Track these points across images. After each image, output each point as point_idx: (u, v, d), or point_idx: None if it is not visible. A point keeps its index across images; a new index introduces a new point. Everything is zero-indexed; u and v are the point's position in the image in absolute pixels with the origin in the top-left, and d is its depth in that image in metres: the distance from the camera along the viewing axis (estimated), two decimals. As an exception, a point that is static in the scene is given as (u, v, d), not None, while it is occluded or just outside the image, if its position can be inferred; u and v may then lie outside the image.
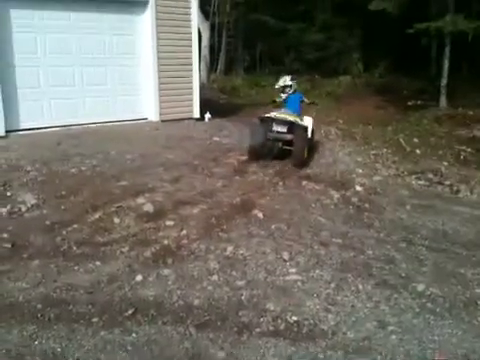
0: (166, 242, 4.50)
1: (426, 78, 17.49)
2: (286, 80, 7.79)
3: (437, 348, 3.13)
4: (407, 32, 13.52)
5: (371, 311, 3.54)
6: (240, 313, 3.44)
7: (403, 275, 4.13)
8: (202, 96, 10.37)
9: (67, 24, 8.37)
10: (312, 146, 8.06)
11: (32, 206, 5.12)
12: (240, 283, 3.85)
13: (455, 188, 6.96)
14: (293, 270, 4.09)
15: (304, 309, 3.52)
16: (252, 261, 4.22)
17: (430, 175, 7.41)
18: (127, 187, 5.72)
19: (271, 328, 3.29)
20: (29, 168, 6.09)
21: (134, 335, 3.16)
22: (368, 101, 15.55)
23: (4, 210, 4.98)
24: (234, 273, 4.01)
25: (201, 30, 16.53)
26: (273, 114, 7.32)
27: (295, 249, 4.47)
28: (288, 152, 7.34)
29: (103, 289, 3.70)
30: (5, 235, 4.49)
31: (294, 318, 3.39)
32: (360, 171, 7.42)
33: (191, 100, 10.00)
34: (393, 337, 3.24)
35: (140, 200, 5.34)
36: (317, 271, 4.09)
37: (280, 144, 7.34)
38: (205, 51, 18.75)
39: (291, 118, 7.22)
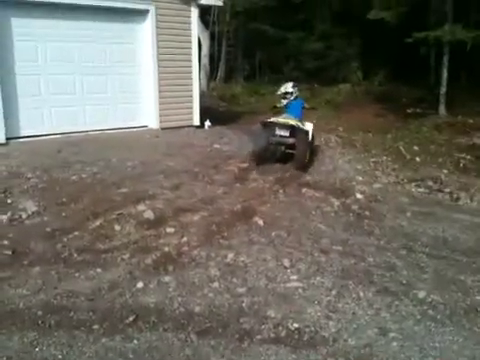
0: (167, 249, 4.50)
1: (425, 86, 17.58)
2: (287, 87, 8.01)
3: (438, 355, 3.13)
4: (406, 41, 13.63)
5: (372, 318, 3.53)
6: (241, 320, 3.43)
7: (404, 282, 4.13)
8: (202, 104, 10.41)
9: (68, 33, 8.42)
10: (312, 151, 8.20)
11: (33, 213, 5.12)
12: (241, 290, 3.85)
13: (455, 195, 6.98)
14: (294, 277, 4.09)
15: (305, 316, 3.52)
16: (253, 268, 4.22)
17: (430, 182, 7.43)
18: (128, 194, 5.72)
19: (272, 335, 3.28)
20: (30, 175, 6.09)
21: (135, 342, 3.16)
22: (368, 109, 15.61)
23: (5, 217, 4.97)
24: (235, 280, 4.00)
25: (201, 39, 16.62)
26: (275, 119, 7.53)
27: (296, 256, 4.48)
28: (290, 156, 7.51)
29: (104, 296, 3.70)
30: (6, 242, 4.49)
31: (295, 325, 3.39)
32: (360, 178, 7.43)
33: (191, 108, 10.04)
34: (394, 344, 3.23)
35: (141, 207, 5.34)
36: (318, 278, 4.10)
37: (282, 148, 7.54)
38: (205, 60, 18.84)
39: (293, 122, 7.40)
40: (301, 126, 7.55)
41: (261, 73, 24.35)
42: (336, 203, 6.12)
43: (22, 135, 8.06)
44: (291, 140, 7.41)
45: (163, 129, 9.41)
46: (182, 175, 6.63)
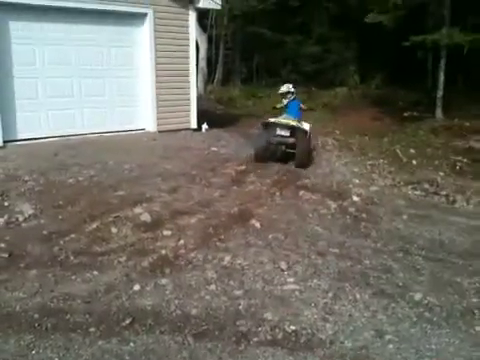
0: (164, 252, 4.50)
1: (422, 90, 17.63)
2: (289, 87, 8.43)
3: (434, 357, 3.14)
4: (403, 45, 13.67)
5: (368, 320, 3.54)
6: (238, 322, 3.44)
7: (400, 284, 4.14)
8: (199, 107, 10.43)
9: (66, 36, 8.43)
10: (310, 151, 8.44)
11: (29, 216, 5.12)
12: (238, 293, 3.85)
13: (451, 198, 6.99)
14: (291, 280, 4.10)
15: (302, 318, 3.52)
16: (250, 271, 4.22)
17: (426, 185, 7.44)
18: (125, 197, 5.72)
19: (269, 337, 3.29)
20: (27, 178, 6.09)
21: (132, 344, 3.16)
22: (364, 112, 15.65)
23: (1, 220, 4.98)
24: (232, 283, 4.01)
25: (199, 42, 16.67)
26: (276, 119, 7.90)
27: (292, 259, 4.48)
28: (291, 155, 7.90)
29: (100, 299, 3.70)
30: (2, 245, 4.49)
31: (292, 327, 3.39)
32: (357, 181, 7.45)
33: (188, 111, 10.07)
34: (390, 346, 3.24)
35: (138, 210, 5.35)
36: (315, 281, 4.10)
37: (283, 147, 7.91)
38: (203, 63, 18.87)
39: (293, 123, 7.78)
40: (301, 126, 7.87)
41: (258, 76, 24.39)
42: (333, 206, 6.13)
43: (19, 138, 8.06)
44: (291, 140, 7.75)
45: (160, 132, 9.42)
46: (179, 178, 6.64)
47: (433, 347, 3.24)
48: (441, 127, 12.57)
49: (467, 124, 12.49)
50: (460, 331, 3.46)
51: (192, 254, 4.48)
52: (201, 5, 9.80)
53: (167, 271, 4.15)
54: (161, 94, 9.45)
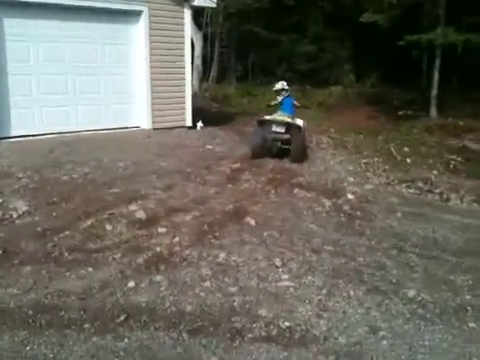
0: (158, 249, 4.50)
1: (417, 89, 17.71)
2: (283, 84, 8.64)
3: (428, 353, 3.16)
4: (398, 44, 13.71)
5: (362, 317, 3.56)
6: (233, 319, 3.44)
7: (394, 281, 4.16)
8: (194, 105, 10.43)
9: (60, 33, 8.41)
10: (304, 146, 8.61)
11: (23, 213, 5.10)
12: (232, 289, 3.86)
13: (445, 196, 7.03)
14: (285, 276, 4.11)
15: (296, 315, 3.53)
16: (244, 268, 4.23)
17: (420, 183, 7.48)
18: (119, 194, 5.71)
19: (263, 334, 3.29)
20: (21, 175, 6.07)
21: (126, 341, 3.15)
22: (359, 111, 15.69)
23: (-5, 217, 4.96)
24: (226, 279, 4.01)
25: (194, 40, 16.63)
26: (271, 116, 8.12)
27: (287, 256, 4.49)
28: (286, 151, 8.10)
29: (95, 295, 3.69)
30: (-4, 241, 4.48)
31: (286, 324, 3.40)
32: (351, 179, 7.47)
33: (183, 109, 10.06)
34: (384, 342, 3.25)
35: (132, 207, 5.34)
36: (309, 277, 4.11)
37: (279, 143, 8.16)
38: (198, 61, 18.84)
39: (288, 119, 8.00)
40: (295, 122, 8.07)
41: (254, 74, 24.39)
42: (327, 203, 6.14)
43: (13, 135, 8.03)
44: (286, 136, 7.97)
45: (155, 130, 9.41)
46: (174, 175, 6.63)
47: (426, 343, 3.26)
48: (435, 126, 12.63)
49: (461, 123, 12.56)
50: (453, 327, 3.48)
51: (187, 251, 4.48)
52: (196, 3, 9.80)
53: (162, 268, 4.15)
54: (156, 92, 9.44)
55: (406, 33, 13.45)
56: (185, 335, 3.23)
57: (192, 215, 5.32)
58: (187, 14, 9.78)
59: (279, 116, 8.15)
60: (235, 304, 3.64)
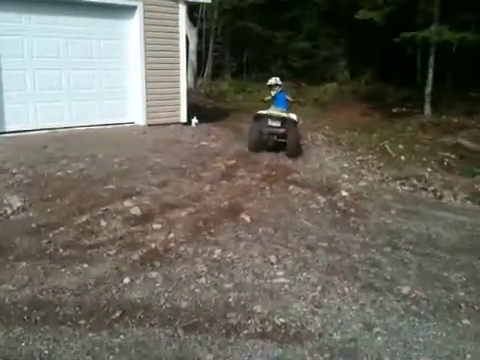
0: (153, 245, 4.50)
1: (411, 86, 17.74)
2: (277, 79, 8.85)
3: (422, 350, 3.18)
4: (393, 41, 13.74)
5: (357, 313, 3.58)
6: (228, 315, 3.45)
7: (388, 278, 4.18)
8: (189, 101, 10.41)
9: (55, 28, 8.36)
10: (299, 139, 8.81)
11: (18, 209, 5.08)
12: (228, 286, 3.87)
13: (439, 194, 7.07)
14: (280, 273, 4.12)
15: (291, 311, 3.54)
16: (239, 264, 4.24)
17: (414, 181, 7.52)
18: (114, 190, 5.70)
19: (259, 330, 3.30)
20: (15, 171, 6.04)
21: (122, 337, 3.16)
22: (354, 108, 15.71)
23: (-11, 212, 4.93)
24: (222, 276, 4.02)
25: (189, 36, 16.57)
26: (267, 111, 8.34)
27: (282, 252, 4.50)
28: (282, 145, 8.32)
29: (90, 291, 3.69)
30: (-10, 237, 4.46)
31: (281, 320, 3.41)
32: (346, 176, 7.50)
33: (178, 105, 10.04)
34: (379, 339, 3.28)
35: (127, 203, 5.33)
36: (304, 274, 4.12)
37: (275, 137, 8.36)
38: (192, 57, 18.79)
39: (284, 114, 8.22)
40: (290, 117, 8.27)
41: (248, 71, 24.34)
42: (322, 200, 6.16)
43: (7, 130, 7.99)
44: (282, 130, 8.20)
45: (150, 126, 9.39)
46: (169, 172, 6.63)
47: (421, 340, 3.29)
48: (429, 123, 12.68)
49: (455, 121, 12.61)
50: (447, 324, 3.51)
51: (182, 247, 4.48)
52: (191, -2, 9.77)
53: (157, 264, 4.15)
54: (151, 87, 9.41)
55: (401, 30, 13.47)
56: (180, 331, 3.24)
57: (187, 211, 5.32)
58: (182, 10, 9.75)
59: (274, 111, 8.37)
60: (230, 300, 3.65)
